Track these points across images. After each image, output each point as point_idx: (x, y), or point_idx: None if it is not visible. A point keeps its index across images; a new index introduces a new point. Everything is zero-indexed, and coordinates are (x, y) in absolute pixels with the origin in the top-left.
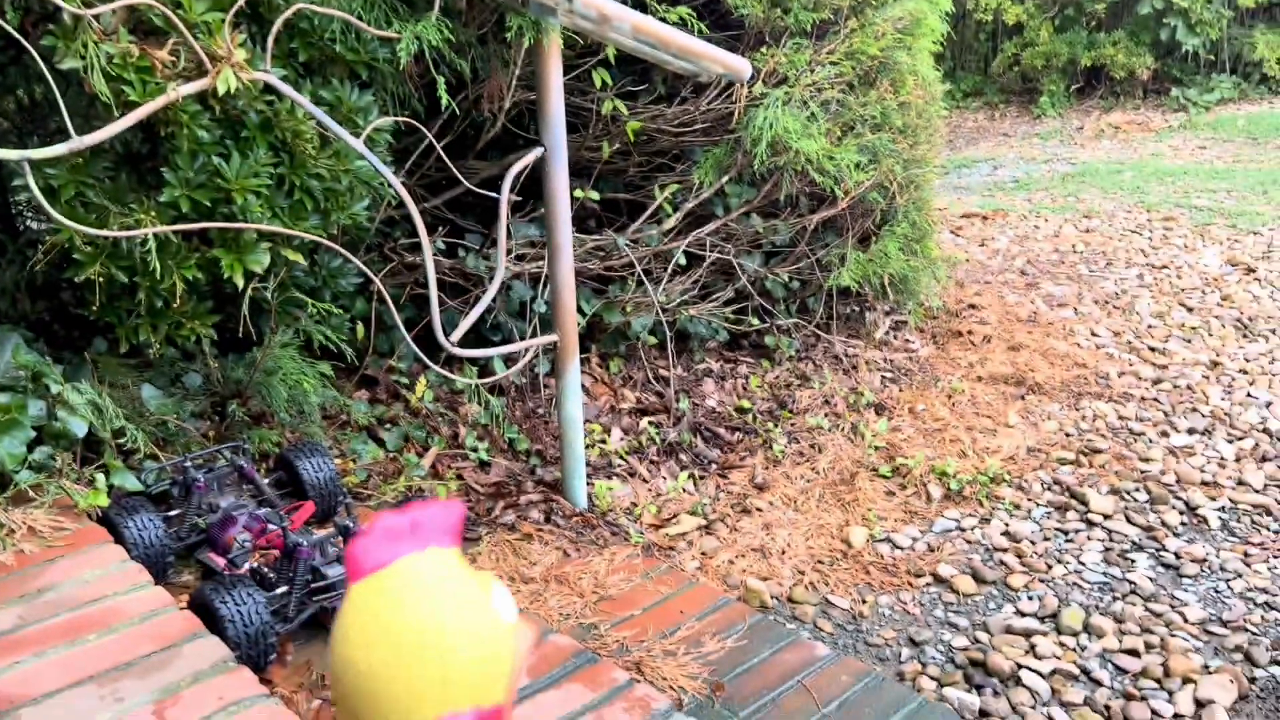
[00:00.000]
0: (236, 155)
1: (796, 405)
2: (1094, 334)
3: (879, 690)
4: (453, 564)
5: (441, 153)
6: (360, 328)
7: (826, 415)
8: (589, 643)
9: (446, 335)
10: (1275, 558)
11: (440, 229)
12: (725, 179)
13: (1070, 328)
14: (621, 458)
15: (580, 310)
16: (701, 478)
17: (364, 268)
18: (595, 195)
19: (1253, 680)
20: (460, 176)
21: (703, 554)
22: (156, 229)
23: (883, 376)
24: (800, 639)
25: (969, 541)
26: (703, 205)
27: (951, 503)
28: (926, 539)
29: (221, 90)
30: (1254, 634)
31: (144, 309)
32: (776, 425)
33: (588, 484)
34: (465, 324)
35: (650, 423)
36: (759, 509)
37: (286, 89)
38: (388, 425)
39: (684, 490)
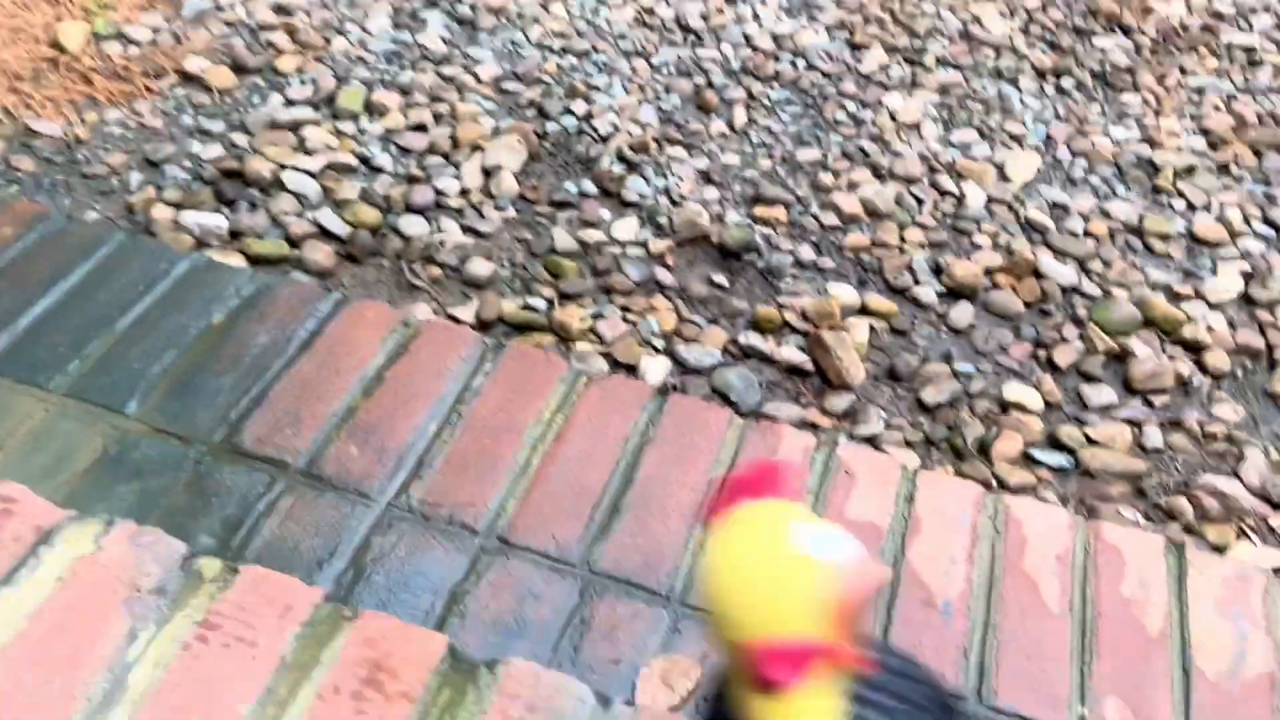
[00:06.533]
0: None
1: None
2: None
3: (59, 239)
4: (772, 511)
5: None
6: None
7: None
8: None
9: None
10: None
11: None
12: None
13: None
14: None
15: None
16: None
17: None
18: None
19: (544, 136)
20: None
21: None
22: None
23: None
24: None
25: (229, 24)
26: None
27: None
28: (173, 27)
29: None
30: (548, 85)
31: None
32: None
33: None
34: None
35: None
36: None
37: None
38: None
39: None
